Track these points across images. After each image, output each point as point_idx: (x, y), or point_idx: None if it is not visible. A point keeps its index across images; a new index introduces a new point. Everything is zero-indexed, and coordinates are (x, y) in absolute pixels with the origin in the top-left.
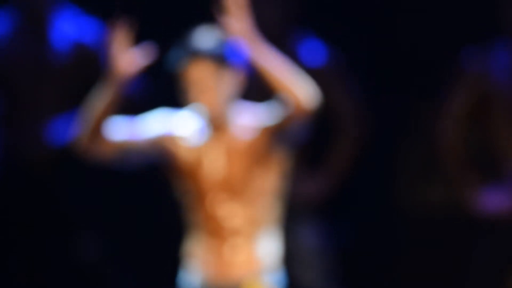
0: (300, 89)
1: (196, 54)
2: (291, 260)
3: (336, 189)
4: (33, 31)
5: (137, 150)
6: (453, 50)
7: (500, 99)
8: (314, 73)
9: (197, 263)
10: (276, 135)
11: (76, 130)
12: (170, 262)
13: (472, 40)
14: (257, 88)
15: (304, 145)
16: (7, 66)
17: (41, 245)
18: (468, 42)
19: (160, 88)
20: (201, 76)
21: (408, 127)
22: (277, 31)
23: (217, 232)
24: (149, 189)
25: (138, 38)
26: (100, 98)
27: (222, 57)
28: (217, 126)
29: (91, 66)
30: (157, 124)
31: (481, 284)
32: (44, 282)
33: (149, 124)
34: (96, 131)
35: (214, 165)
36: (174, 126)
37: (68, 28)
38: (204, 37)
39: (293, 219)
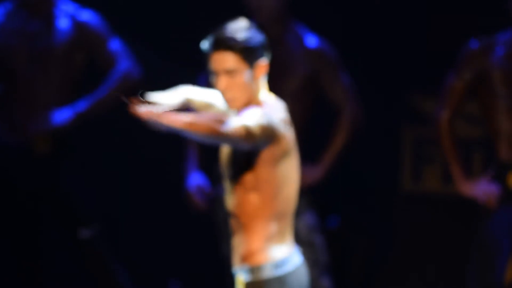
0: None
1: (217, 45)
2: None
3: (331, 174)
4: (36, 16)
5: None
6: (457, 41)
7: (500, 78)
8: (309, 58)
9: None
10: None
11: None
12: None
13: (476, 32)
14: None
15: (302, 133)
16: (11, 50)
17: (41, 232)
18: (472, 34)
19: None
20: (219, 67)
21: (406, 114)
22: (274, 17)
23: (231, 220)
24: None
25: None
26: None
27: (245, 51)
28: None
29: (93, 51)
30: (215, 95)
31: (478, 275)
32: (44, 272)
33: (210, 91)
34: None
35: (224, 152)
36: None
37: (71, 13)
38: (230, 29)
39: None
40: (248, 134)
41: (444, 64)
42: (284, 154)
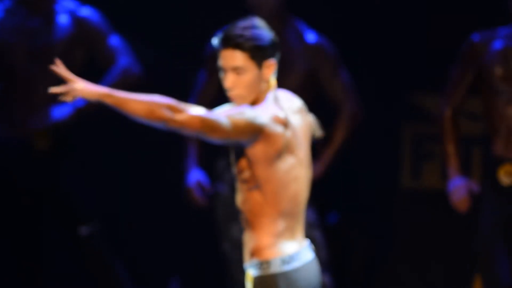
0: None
1: (226, 42)
2: None
3: (331, 171)
4: (36, 12)
5: None
6: (457, 40)
7: (499, 73)
8: (308, 54)
9: None
10: None
11: None
12: None
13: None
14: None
15: None
16: (11, 47)
17: (41, 231)
18: (471, 33)
19: None
20: (227, 64)
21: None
22: (274, 14)
23: (241, 216)
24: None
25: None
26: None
27: (253, 50)
28: None
29: (93, 48)
30: None
31: (483, 272)
32: (44, 269)
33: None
34: None
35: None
36: None
37: (71, 10)
38: (240, 27)
39: None
40: (207, 126)
41: (443, 62)
42: (280, 154)
